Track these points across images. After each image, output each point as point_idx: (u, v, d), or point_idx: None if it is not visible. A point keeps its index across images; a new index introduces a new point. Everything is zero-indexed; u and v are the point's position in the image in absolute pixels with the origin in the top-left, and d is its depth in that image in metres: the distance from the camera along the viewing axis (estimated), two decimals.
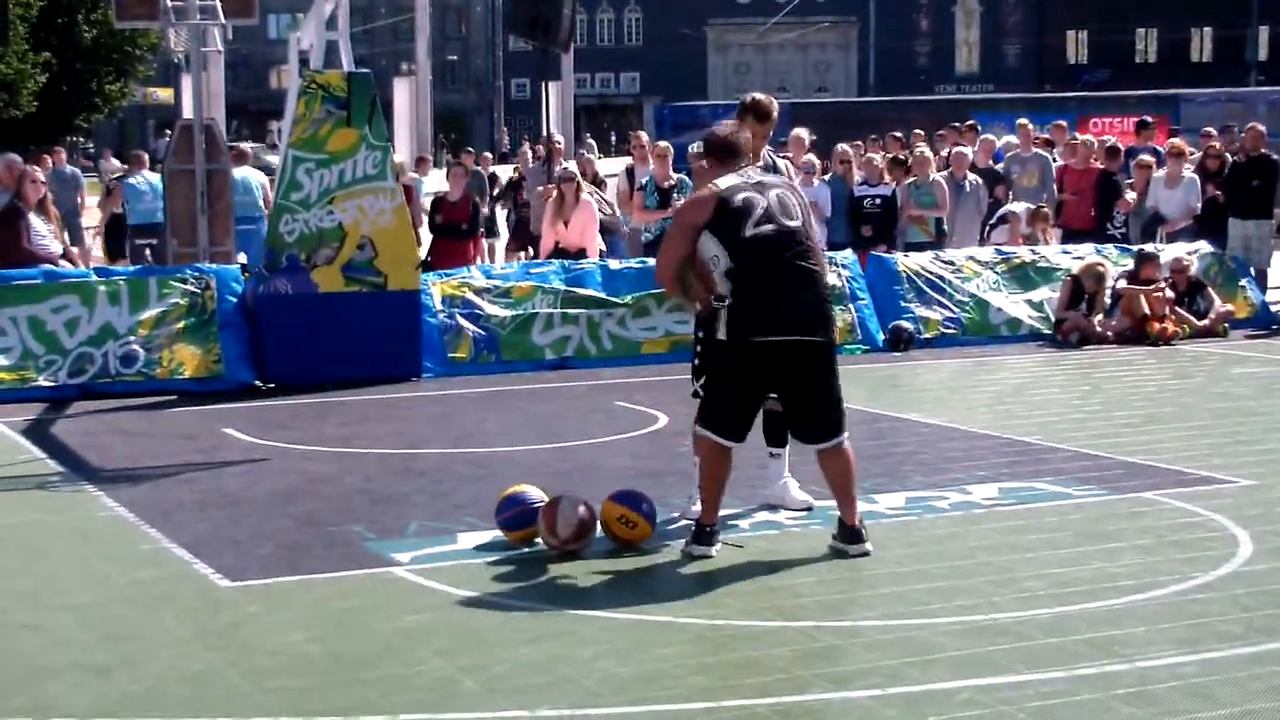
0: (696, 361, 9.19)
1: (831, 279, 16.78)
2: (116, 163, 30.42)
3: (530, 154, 25.39)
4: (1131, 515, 9.24)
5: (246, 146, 26.65)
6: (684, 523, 8.92)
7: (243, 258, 18.08)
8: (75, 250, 25.49)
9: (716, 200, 8.37)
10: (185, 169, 16.28)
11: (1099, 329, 17.19)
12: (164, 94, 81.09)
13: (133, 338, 14.33)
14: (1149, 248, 18.58)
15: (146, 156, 24.17)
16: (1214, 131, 21.81)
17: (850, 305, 16.71)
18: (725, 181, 8.46)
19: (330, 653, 6.81)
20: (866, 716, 6.02)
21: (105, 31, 57.70)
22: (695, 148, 9.80)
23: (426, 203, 20.46)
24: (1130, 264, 17.85)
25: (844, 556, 8.35)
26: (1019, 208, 20.21)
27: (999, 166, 21.94)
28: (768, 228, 8.33)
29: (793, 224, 8.40)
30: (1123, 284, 17.50)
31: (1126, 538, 8.69)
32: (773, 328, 8.30)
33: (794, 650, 6.75)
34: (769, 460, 9.49)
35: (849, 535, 8.47)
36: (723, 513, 8.99)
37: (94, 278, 14.78)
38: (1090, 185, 20.01)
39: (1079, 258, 18.07)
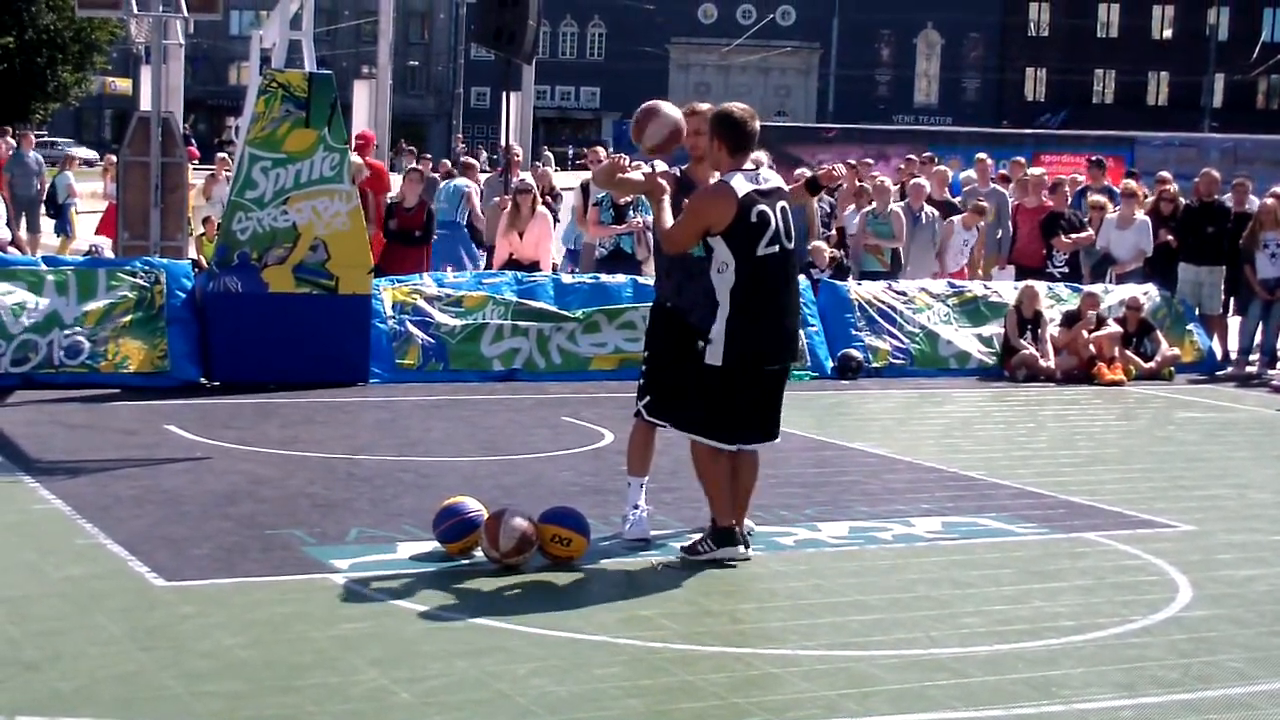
0: (643, 381, 9.13)
1: None
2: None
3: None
4: (1073, 555, 9.25)
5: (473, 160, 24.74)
6: (620, 540, 8.93)
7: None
8: (25, 238, 25.41)
9: (738, 208, 8.32)
10: (140, 161, 16.18)
11: (1045, 366, 17.24)
12: (123, 84, 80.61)
13: (79, 329, 14.19)
14: (1097, 288, 18.64)
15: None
16: (1168, 175, 21.83)
17: (800, 331, 16.68)
18: (740, 185, 8.39)
19: (264, 658, 6.74)
20: None
21: (65, 20, 57.25)
22: (696, 109, 9.31)
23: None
24: (1075, 304, 17.90)
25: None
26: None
27: (956, 200, 21.96)
28: (775, 249, 8.40)
29: (791, 245, 8.51)
30: (1061, 329, 17.55)
31: (1067, 577, 8.69)
32: (770, 357, 8.52)
33: (731, 677, 6.72)
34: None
35: (724, 538, 8.62)
36: (659, 533, 9.02)
37: (42, 266, 14.66)
38: (1040, 223, 19.99)
39: None
